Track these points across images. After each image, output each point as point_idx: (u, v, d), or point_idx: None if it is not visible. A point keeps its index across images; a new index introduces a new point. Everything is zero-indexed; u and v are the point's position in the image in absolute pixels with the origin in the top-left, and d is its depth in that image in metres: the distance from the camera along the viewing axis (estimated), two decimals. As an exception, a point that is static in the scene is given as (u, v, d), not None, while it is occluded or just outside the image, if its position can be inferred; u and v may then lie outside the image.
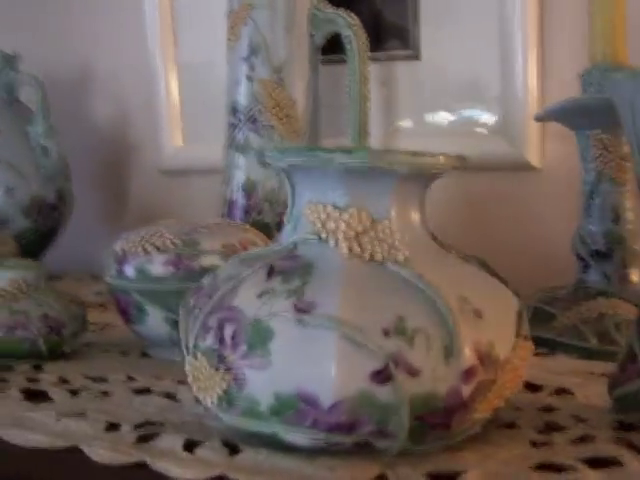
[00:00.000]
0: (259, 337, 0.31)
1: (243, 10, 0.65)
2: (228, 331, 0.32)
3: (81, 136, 0.89)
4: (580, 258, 0.55)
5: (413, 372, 0.30)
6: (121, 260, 0.49)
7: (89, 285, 0.79)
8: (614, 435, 0.35)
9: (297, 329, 0.31)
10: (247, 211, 0.65)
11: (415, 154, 0.34)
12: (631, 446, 0.34)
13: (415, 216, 0.35)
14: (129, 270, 0.48)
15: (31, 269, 0.50)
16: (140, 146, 0.87)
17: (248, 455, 0.33)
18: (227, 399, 0.32)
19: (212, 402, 0.33)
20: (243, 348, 0.31)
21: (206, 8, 0.81)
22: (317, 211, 0.35)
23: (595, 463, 0.32)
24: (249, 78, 0.65)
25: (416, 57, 0.72)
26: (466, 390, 0.31)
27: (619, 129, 0.53)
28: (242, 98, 0.65)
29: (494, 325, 0.32)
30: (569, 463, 0.32)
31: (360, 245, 0.34)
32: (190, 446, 0.34)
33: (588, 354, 0.50)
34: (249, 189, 0.65)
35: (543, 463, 0.32)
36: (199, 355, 0.33)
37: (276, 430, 0.32)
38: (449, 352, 0.31)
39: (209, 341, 0.33)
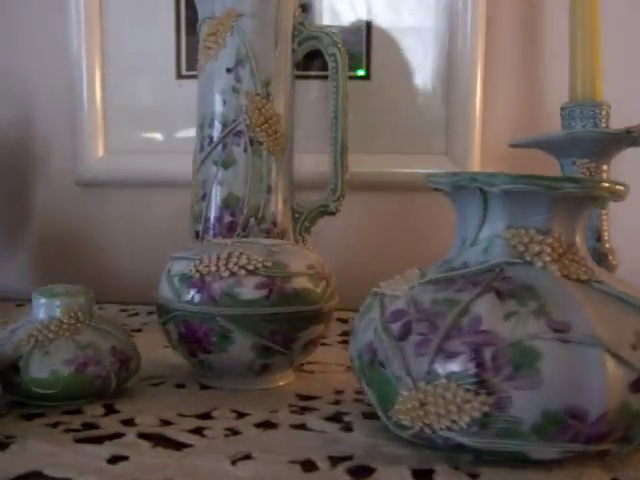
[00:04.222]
0: (525, 358, 0.32)
1: (228, 17, 0.61)
2: (487, 355, 0.32)
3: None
4: (567, 272, 0.61)
5: (657, 381, 0.33)
6: (199, 284, 0.44)
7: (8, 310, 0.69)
8: None
9: (562, 348, 0.32)
10: (231, 228, 0.62)
11: (613, 182, 0.37)
12: None
13: (584, 237, 0.38)
14: (213, 294, 0.44)
15: (82, 294, 0.44)
16: (53, 155, 0.77)
17: (489, 475, 0.33)
18: (482, 421, 0.32)
19: (453, 427, 0.33)
20: (508, 370, 0.32)
21: (137, 10, 0.75)
22: (519, 235, 0.36)
23: None
24: (235, 89, 0.62)
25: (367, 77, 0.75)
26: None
27: (601, 158, 0.60)
28: (224, 110, 0.62)
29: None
30: None
31: (565, 267, 0.36)
32: (419, 475, 0.34)
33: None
34: (233, 205, 0.62)
35: None
36: (441, 381, 0.33)
37: (529, 447, 0.33)
38: (672, 361, 0.34)
39: (458, 366, 0.33)
